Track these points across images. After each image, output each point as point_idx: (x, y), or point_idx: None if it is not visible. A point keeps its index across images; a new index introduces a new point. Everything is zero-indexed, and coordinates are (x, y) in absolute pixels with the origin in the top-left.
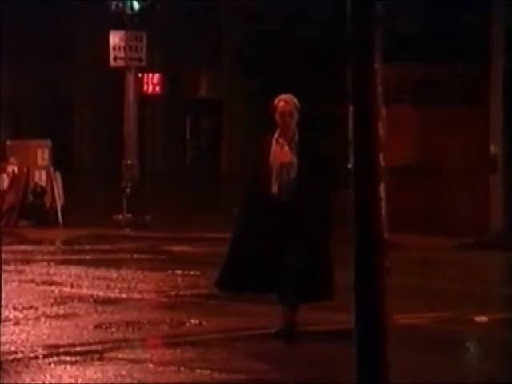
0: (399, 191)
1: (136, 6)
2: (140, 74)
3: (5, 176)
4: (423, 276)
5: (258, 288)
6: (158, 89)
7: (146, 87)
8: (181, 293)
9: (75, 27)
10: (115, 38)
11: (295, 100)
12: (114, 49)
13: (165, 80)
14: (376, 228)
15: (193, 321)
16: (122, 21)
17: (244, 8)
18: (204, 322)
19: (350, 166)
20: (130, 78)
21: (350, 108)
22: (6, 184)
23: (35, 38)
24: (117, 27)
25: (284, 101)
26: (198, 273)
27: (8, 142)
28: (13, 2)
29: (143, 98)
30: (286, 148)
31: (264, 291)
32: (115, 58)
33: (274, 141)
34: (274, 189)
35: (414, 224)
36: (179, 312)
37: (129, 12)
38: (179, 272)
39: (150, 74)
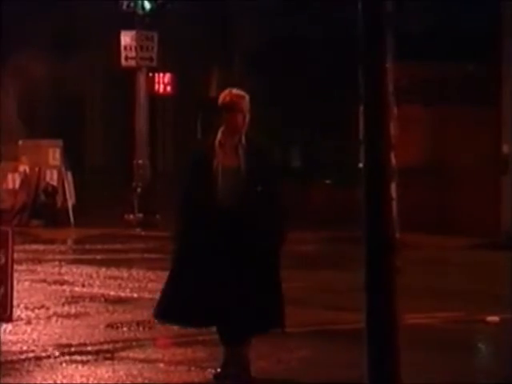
0: (410, 191)
1: (147, 5)
2: (151, 74)
3: (16, 176)
4: (434, 276)
5: (197, 321)
6: (169, 88)
7: (157, 87)
8: None
9: (87, 27)
10: (126, 38)
11: (247, 97)
12: (125, 48)
13: (176, 80)
14: (387, 228)
15: None
16: (133, 20)
17: (255, 8)
18: None
19: (360, 165)
20: (141, 78)
21: (361, 107)
22: (17, 184)
23: (47, 38)
24: (128, 27)
25: (233, 95)
26: None
27: (20, 142)
28: (25, 1)
29: (154, 98)
30: (231, 151)
31: (203, 324)
32: (126, 58)
33: (216, 143)
34: (218, 198)
35: (425, 224)
36: None
37: (140, 12)
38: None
39: (161, 74)
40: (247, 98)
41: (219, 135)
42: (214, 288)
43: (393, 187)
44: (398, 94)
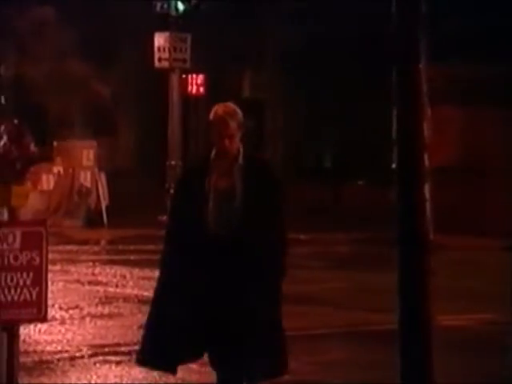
0: (444, 192)
1: (180, 7)
2: (184, 75)
3: (51, 177)
4: (468, 277)
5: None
6: (201, 90)
7: (189, 88)
8: None
9: (120, 28)
10: (160, 40)
11: (237, 111)
12: (159, 50)
13: (208, 81)
14: (421, 229)
15: None
16: (166, 22)
17: (288, 8)
18: None
19: (394, 166)
20: (174, 79)
21: (395, 108)
22: (51, 185)
23: (80, 40)
24: (161, 28)
25: (221, 118)
26: None
27: (54, 143)
28: (60, 3)
29: (187, 99)
30: (226, 171)
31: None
32: (160, 59)
33: (210, 163)
34: (208, 225)
35: (458, 225)
36: None
37: (173, 13)
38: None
39: (194, 75)
40: (239, 114)
41: (213, 153)
42: (202, 331)
43: (426, 188)
44: (432, 94)
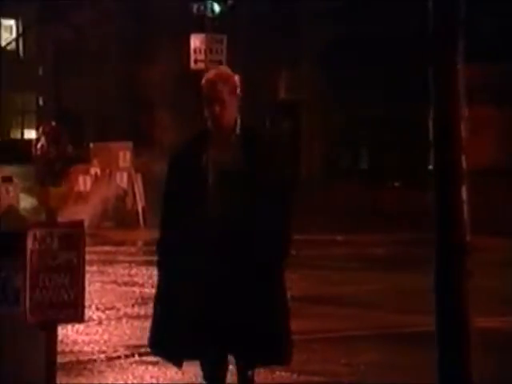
0: (481, 193)
1: (216, 8)
2: None
3: (88, 178)
4: (505, 279)
5: (193, 353)
6: (238, 86)
7: None
8: None
9: (157, 30)
10: (196, 41)
11: (231, 75)
12: (195, 51)
13: (244, 82)
14: (458, 230)
15: None
16: (202, 24)
17: (323, 8)
18: None
19: (430, 167)
20: None
21: (432, 109)
22: (88, 186)
23: (117, 41)
24: (198, 30)
25: (211, 81)
26: None
27: (91, 145)
28: (95, 6)
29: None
30: (224, 143)
31: (199, 355)
32: (196, 61)
33: (206, 136)
34: (208, 205)
35: (496, 227)
36: None
37: (209, 15)
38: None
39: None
40: (233, 79)
41: (209, 124)
42: (207, 319)
43: (463, 190)
44: (470, 94)
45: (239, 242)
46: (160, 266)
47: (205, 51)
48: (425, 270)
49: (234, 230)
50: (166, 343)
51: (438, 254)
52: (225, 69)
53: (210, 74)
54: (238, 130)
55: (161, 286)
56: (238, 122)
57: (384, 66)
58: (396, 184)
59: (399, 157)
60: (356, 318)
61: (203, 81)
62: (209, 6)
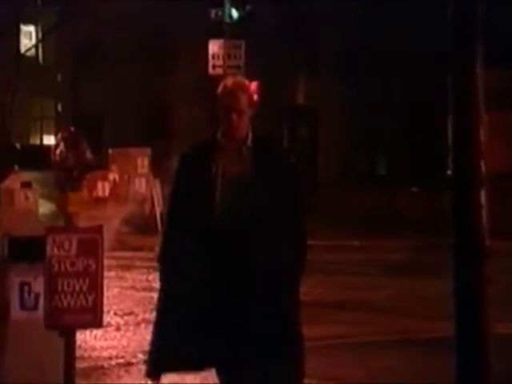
0: (500, 198)
1: (235, 14)
2: None
3: (106, 184)
4: None
5: (193, 365)
6: (255, 96)
7: None
8: None
9: (175, 36)
10: (214, 47)
11: (249, 85)
12: (213, 57)
13: (262, 87)
14: (477, 235)
15: None
16: (221, 29)
17: (341, 15)
18: (303, 330)
19: (449, 172)
20: None
21: (450, 114)
22: (107, 192)
23: (135, 47)
24: (216, 36)
25: (230, 90)
26: None
27: (109, 151)
28: (113, 11)
29: None
30: (235, 155)
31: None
32: (214, 66)
33: (216, 144)
34: (216, 217)
35: None
36: None
37: (228, 20)
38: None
39: (248, 82)
40: (250, 88)
41: (219, 135)
42: (212, 341)
43: (482, 194)
44: (488, 99)
45: (249, 256)
46: (161, 279)
47: (223, 57)
48: (443, 275)
49: (242, 242)
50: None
51: (456, 259)
52: (241, 78)
53: (229, 83)
54: (249, 142)
55: (161, 300)
56: (250, 134)
57: (402, 72)
58: (414, 189)
59: (417, 162)
60: (374, 323)
61: (221, 89)
62: (227, 11)
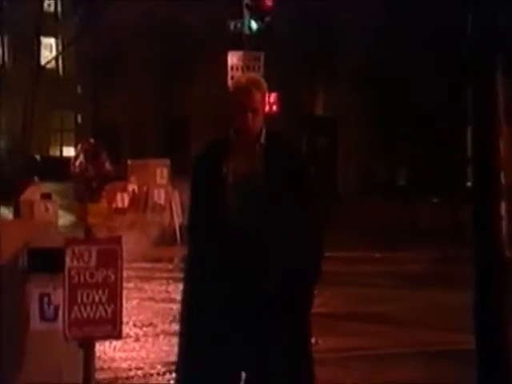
0: None
1: (254, 26)
2: None
3: (125, 195)
4: None
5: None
6: (274, 108)
7: None
8: None
9: (194, 47)
10: (233, 58)
11: (263, 82)
12: (232, 68)
13: (281, 99)
14: (497, 246)
15: None
16: (240, 41)
17: (360, 27)
18: (319, 341)
19: (469, 184)
20: None
21: (471, 125)
22: (126, 203)
23: (154, 59)
24: (235, 47)
25: (245, 88)
26: None
27: (129, 162)
28: (133, 24)
29: None
30: (247, 153)
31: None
32: (233, 78)
33: (228, 143)
34: (231, 218)
35: None
36: None
37: (247, 32)
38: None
39: (267, 93)
40: (264, 86)
41: (231, 132)
42: (225, 352)
43: (502, 206)
44: (509, 111)
45: (261, 260)
46: (186, 282)
47: (242, 68)
48: (463, 287)
49: (254, 245)
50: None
51: (476, 271)
52: (255, 75)
53: (243, 80)
54: (262, 140)
55: (187, 311)
56: (264, 131)
57: (422, 83)
58: (434, 200)
59: (437, 173)
60: (393, 335)
61: (234, 86)
62: (246, 23)
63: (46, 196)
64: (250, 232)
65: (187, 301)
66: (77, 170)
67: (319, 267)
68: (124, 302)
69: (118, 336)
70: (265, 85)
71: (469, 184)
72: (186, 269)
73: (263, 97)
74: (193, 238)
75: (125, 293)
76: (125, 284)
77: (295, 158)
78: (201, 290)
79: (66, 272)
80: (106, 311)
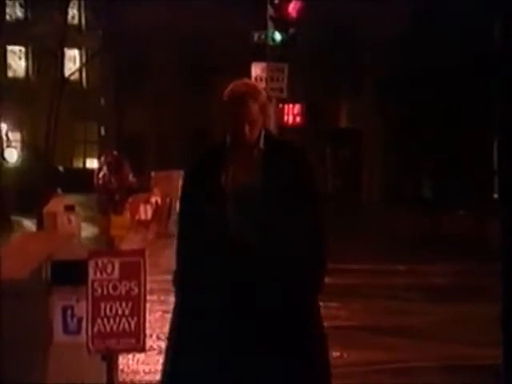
0: None
1: (278, 37)
2: (280, 105)
3: (148, 207)
4: None
5: None
6: (298, 119)
7: (286, 118)
8: None
9: (218, 58)
10: (257, 69)
11: (260, 90)
12: (256, 79)
13: (305, 110)
14: None
15: (333, 353)
16: (263, 52)
17: (384, 37)
18: (345, 355)
19: (496, 196)
20: (271, 109)
21: (497, 137)
22: (149, 215)
23: (177, 70)
24: (259, 58)
25: (240, 98)
26: (337, 304)
27: (152, 173)
28: (156, 35)
29: (283, 129)
30: (246, 159)
31: None
32: None
33: (225, 153)
34: (231, 232)
35: None
36: None
37: (270, 43)
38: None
39: (291, 105)
40: (262, 95)
41: (228, 141)
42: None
43: None
44: None
45: (265, 273)
46: (177, 300)
47: (266, 79)
48: (489, 300)
49: (255, 259)
50: None
51: (504, 284)
52: (253, 83)
53: (239, 89)
54: (261, 145)
55: (177, 325)
56: (263, 133)
57: (446, 94)
58: (460, 212)
59: (463, 185)
60: (418, 349)
61: (228, 95)
62: (270, 34)
63: (70, 208)
64: (247, 245)
65: (180, 314)
66: (100, 182)
67: (322, 278)
68: (147, 314)
69: (142, 349)
70: (263, 93)
71: (495, 196)
72: (179, 282)
73: (262, 106)
74: (186, 250)
75: (148, 305)
76: (148, 296)
77: (297, 161)
78: (196, 303)
79: (90, 284)
80: (129, 324)
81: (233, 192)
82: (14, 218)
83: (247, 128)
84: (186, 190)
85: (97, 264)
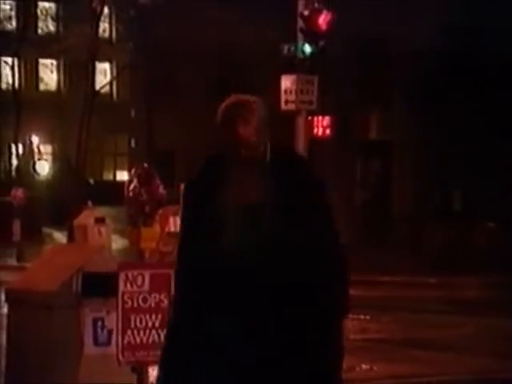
0: None
1: (308, 49)
2: (310, 117)
3: (177, 219)
4: None
5: None
6: (328, 131)
7: (316, 130)
8: (351, 337)
9: (248, 70)
10: (287, 82)
11: (258, 102)
12: (286, 92)
13: (335, 122)
14: None
15: (363, 365)
16: (293, 65)
17: (414, 48)
18: (375, 368)
19: None
20: (301, 121)
21: None
22: (178, 227)
23: (208, 82)
24: (288, 71)
25: (232, 122)
26: (367, 317)
27: (182, 186)
28: (186, 46)
29: (313, 141)
30: (249, 174)
31: None
32: (286, 102)
33: (226, 170)
34: (226, 258)
35: None
36: (349, 356)
37: (300, 56)
38: (348, 316)
39: (320, 117)
40: (261, 107)
41: (228, 159)
42: None
43: None
44: None
45: (269, 304)
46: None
47: (295, 92)
48: (508, 313)
49: (263, 288)
50: None
51: None
52: (246, 98)
53: (229, 111)
54: (267, 157)
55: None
56: (268, 146)
57: (478, 104)
58: (490, 224)
59: (494, 197)
60: (448, 362)
61: (224, 113)
62: (300, 47)
63: (100, 220)
64: (257, 271)
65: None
66: (130, 194)
67: (343, 305)
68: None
69: None
70: (260, 105)
71: None
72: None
73: (261, 119)
74: (185, 280)
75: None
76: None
77: (306, 175)
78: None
79: (120, 296)
80: (159, 336)
81: (235, 213)
82: (45, 230)
83: (244, 151)
84: (183, 215)
85: (127, 276)
